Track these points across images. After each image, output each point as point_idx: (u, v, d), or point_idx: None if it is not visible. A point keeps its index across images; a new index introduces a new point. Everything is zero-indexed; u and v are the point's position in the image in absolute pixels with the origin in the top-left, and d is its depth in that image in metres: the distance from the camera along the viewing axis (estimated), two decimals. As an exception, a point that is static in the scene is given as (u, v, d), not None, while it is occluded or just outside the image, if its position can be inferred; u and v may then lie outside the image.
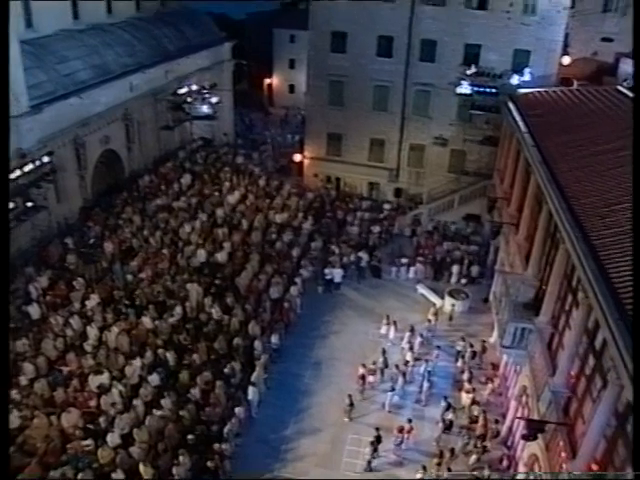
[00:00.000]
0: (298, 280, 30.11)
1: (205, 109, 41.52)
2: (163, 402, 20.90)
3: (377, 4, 36.50)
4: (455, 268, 32.97)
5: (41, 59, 31.06)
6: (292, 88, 62.24)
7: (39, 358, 21.58)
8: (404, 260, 33.86)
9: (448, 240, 35.92)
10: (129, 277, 27.30)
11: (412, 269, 33.41)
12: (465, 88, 35.52)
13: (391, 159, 40.46)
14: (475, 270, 33.04)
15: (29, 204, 26.54)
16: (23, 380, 20.36)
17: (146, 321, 24.61)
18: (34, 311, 23.78)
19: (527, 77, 34.26)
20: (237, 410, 21.87)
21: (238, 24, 72.41)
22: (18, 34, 28.63)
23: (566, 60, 35.55)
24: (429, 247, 35.31)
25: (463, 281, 32.68)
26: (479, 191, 36.89)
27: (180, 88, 39.70)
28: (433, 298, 31.22)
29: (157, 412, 20.47)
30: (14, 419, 18.32)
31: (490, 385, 24.83)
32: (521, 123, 26.08)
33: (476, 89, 35.21)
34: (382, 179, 41.11)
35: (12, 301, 23.58)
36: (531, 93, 31.66)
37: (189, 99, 40.14)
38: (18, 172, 25.82)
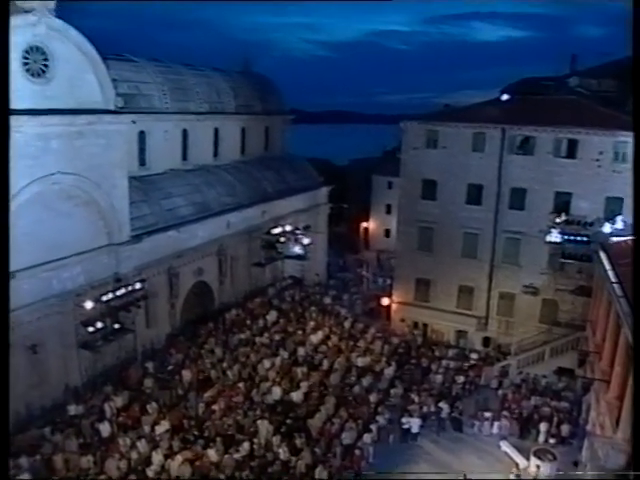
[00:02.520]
0: (373, 427, 28.81)
1: (297, 249, 43.02)
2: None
3: (466, 153, 37.61)
4: (543, 426, 30.47)
5: (148, 194, 33.67)
6: (387, 232, 63.60)
7: (101, 477, 21.47)
8: (488, 414, 31.72)
9: (537, 395, 33.56)
10: (202, 407, 27.22)
11: (496, 424, 31.17)
12: (555, 236, 34.96)
13: (480, 307, 39.56)
14: (565, 429, 30.38)
15: (117, 326, 27.75)
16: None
17: (211, 454, 24.09)
18: (105, 429, 24.13)
19: (620, 225, 33.26)
20: None
21: (340, 170, 76.59)
22: (130, 171, 31.75)
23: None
24: (516, 401, 33.09)
25: (552, 441, 29.96)
26: (572, 343, 34.89)
27: (275, 228, 41.55)
28: (517, 458, 28.69)
29: None
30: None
31: None
32: (611, 273, 24.98)
33: (567, 237, 34.57)
34: (470, 327, 40.02)
35: (86, 416, 24.10)
36: (624, 241, 30.52)
37: (282, 239, 41.79)
38: (111, 295, 27.37)
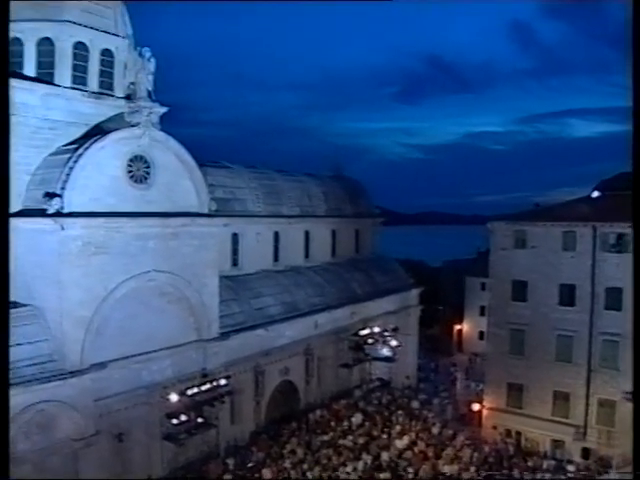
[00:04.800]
0: None
1: (385, 351, 42.75)
2: None
3: (556, 252, 36.74)
4: None
5: (238, 293, 35.04)
6: (481, 335, 61.80)
7: None
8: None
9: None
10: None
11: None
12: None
13: (577, 415, 37.04)
14: None
15: (201, 420, 28.31)
16: None
17: None
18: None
19: None
20: None
21: (434, 271, 76.34)
22: (223, 271, 33.41)
23: None
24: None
25: None
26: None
27: (363, 329, 41.62)
28: None
29: None
30: None
31: None
32: None
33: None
34: (567, 436, 37.33)
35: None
36: None
37: (370, 340, 41.67)
38: (196, 389, 28.17)
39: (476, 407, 41.55)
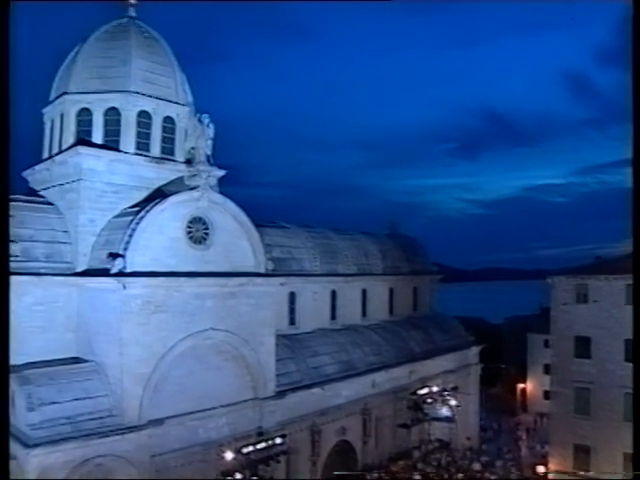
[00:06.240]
0: None
1: (444, 411, 41.74)
2: None
3: (619, 307, 35.41)
4: None
5: (295, 352, 35.22)
6: (546, 394, 59.53)
7: None
8: None
9: None
10: None
11: None
12: None
13: (652, 481, 34.94)
14: None
15: (256, 479, 28.12)
16: None
17: None
18: None
19: None
20: None
21: (495, 328, 74.55)
22: (280, 329, 33.80)
23: None
24: None
25: None
26: None
27: (421, 388, 40.87)
28: None
29: None
30: None
31: None
32: None
33: None
34: (642, 503, 35.21)
35: None
36: None
37: (429, 400, 40.81)
38: (252, 447, 28.10)
39: (541, 470, 39.86)
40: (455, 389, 43.15)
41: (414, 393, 40.58)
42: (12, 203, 27.68)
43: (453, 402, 41.59)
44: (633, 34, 19.27)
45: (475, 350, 50.11)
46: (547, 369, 59.21)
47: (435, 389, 41.41)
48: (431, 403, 40.96)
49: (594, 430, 36.60)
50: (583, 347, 37.38)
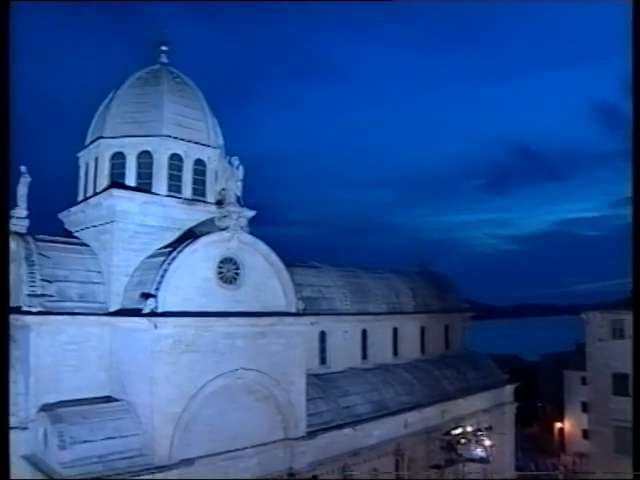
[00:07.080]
0: None
1: (479, 452, 40.66)
2: None
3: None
4: None
5: (326, 391, 34.97)
6: (585, 434, 57.90)
7: None
8: None
9: None
10: None
11: None
12: None
13: None
14: None
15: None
16: None
17: None
18: None
19: None
20: None
21: (530, 366, 73.05)
22: (310, 369, 33.71)
23: None
24: None
25: None
26: None
27: (455, 428, 40.12)
28: None
29: None
30: None
31: None
32: None
33: None
34: None
35: None
36: None
37: (463, 440, 39.98)
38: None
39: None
40: (489, 429, 42.19)
41: (447, 433, 39.81)
42: (48, 244, 28.68)
43: (487, 442, 40.63)
44: (633, 34, 19.11)
45: (510, 388, 49.10)
46: (585, 407, 57.80)
47: (469, 429, 40.55)
48: (465, 443, 40.05)
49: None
50: (621, 384, 36.59)
